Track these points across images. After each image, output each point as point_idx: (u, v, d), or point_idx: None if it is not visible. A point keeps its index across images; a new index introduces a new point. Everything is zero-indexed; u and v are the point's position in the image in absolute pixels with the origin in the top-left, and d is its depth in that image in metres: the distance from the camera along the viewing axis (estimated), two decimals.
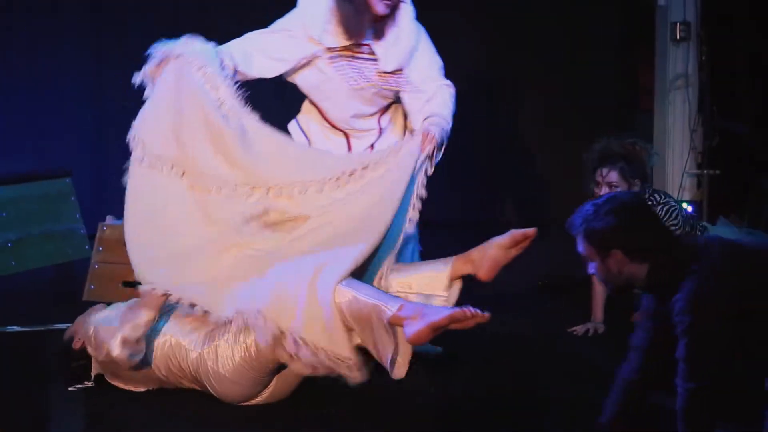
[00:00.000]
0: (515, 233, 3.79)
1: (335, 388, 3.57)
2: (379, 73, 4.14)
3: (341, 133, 4.29)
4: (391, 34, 4.11)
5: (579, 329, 4.53)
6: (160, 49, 4.06)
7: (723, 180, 6.19)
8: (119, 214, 5.60)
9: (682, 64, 6.48)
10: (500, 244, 3.80)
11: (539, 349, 4.44)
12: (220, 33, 7.09)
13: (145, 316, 3.64)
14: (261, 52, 4.18)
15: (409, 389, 3.78)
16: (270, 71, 4.22)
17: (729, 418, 2.98)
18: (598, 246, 3.06)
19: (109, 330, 3.65)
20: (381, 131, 4.29)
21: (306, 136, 4.33)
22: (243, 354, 3.54)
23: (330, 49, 4.11)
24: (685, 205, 5.45)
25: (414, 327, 3.36)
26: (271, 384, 3.66)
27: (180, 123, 3.92)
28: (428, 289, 3.79)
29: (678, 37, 6.41)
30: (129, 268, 4.69)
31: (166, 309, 3.78)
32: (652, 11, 6.56)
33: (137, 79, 4.05)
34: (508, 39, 6.91)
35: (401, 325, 3.41)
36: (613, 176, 4.42)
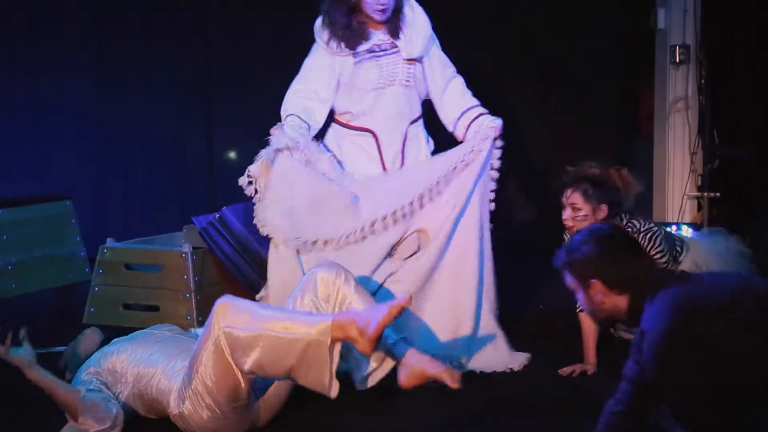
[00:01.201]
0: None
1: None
2: (406, 61, 4.47)
3: (369, 133, 4.51)
4: (406, 24, 4.46)
5: (566, 370, 4.34)
6: (262, 153, 4.34)
7: (723, 203, 6.20)
8: (119, 237, 5.63)
9: (682, 87, 6.50)
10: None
11: (526, 376, 4.40)
12: (219, 54, 7.14)
13: None
14: (315, 100, 4.49)
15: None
16: (328, 110, 4.54)
17: None
18: (578, 276, 3.11)
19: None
20: (406, 137, 4.52)
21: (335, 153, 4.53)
22: (210, 414, 3.53)
23: (354, 54, 4.42)
24: (683, 227, 5.43)
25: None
26: (260, 411, 3.65)
27: (302, 203, 4.30)
28: None
29: (677, 60, 6.43)
30: (129, 291, 4.70)
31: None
32: (652, 34, 6.57)
33: (244, 181, 4.36)
34: (506, 64, 6.92)
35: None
36: (576, 197, 4.32)
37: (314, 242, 4.27)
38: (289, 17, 6.86)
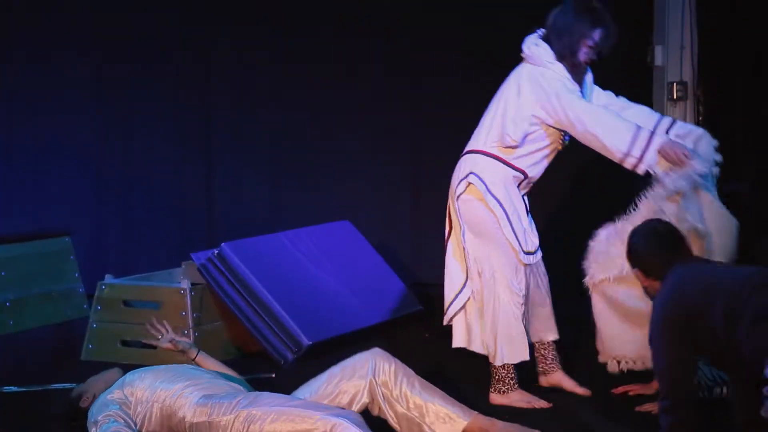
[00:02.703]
0: None
1: None
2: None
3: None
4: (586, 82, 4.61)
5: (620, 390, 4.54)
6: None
7: None
8: (118, 273, 5.63)
9: None
10: None
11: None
12: (219, 91, 7.17)
13: None
14: None
15: None
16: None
17: None
18: (629, 265, 3.87)
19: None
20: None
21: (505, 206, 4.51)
22: None
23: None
24: None
25: None
26: None
27: None
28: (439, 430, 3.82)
29: (675, 96, 6.45)
30: (127, 328, 4.69)
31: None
32: (649, 71, 6.60)
33: None
34: None
35: None
36: None
37: None
38: (287, 59, 6.92)
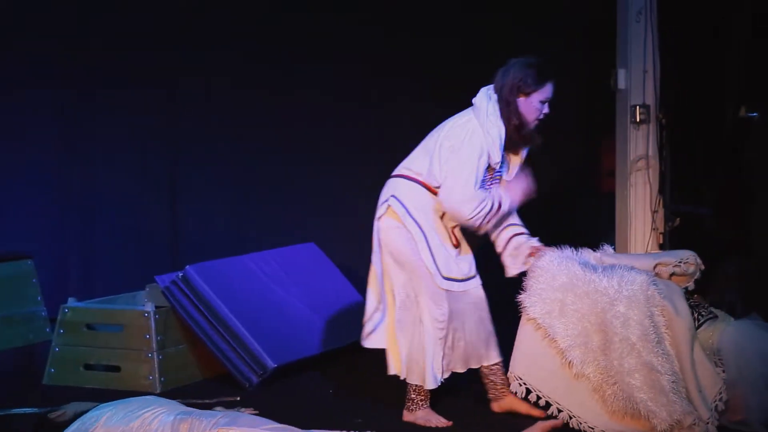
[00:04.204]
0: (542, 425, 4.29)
1: None
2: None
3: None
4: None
5: None
6: None
7: None
8: (80, 296, 5.59)
9: (643, 146, 6.56)
10: None
11: None
12: (183, 113, 7.15)
13: None
14: None
15: None
16: None
17: None
18: None
19: None
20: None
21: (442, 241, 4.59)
22: None
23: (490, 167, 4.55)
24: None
25: None
26: None
27: None
28: None
29: (638, 119, 6.50)
30: (90, 351, 4.64)
31: None
32: (613, 95, 6.66)
33: None
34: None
35: None
36: None
37: None
38: (250, 84, 6.93)
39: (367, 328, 4.61)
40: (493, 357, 4.64)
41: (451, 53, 6.89)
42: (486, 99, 4.51)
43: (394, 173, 4.63)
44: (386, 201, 4.55)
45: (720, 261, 5.24)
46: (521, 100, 4.49)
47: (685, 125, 6.42)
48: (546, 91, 4.52)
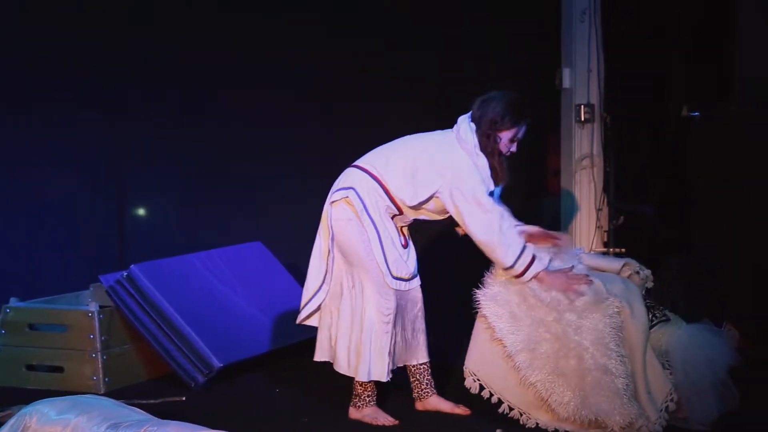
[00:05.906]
0: None
1: None
2: None
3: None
4: None
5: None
6: None
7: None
8: (23, 296, 5.52)
9: (588, 145, 6.63)
10: None
11: None
12: (131, 111, 7.09)
13: None
14: None
15: None
16: None
17: None
18: None
19: None
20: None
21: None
22: None
23: None
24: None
25: None
26: None
27: None
28: None
29: (583, 119, 6.56)
30: (33, 352, 4.57)
31: None
32: (558, 94, 6.71)
33: None
34: (413, 120, 6.98)
35: None
36: None
37: None
38: (197, 86, 6.91)
39: (309, 307, 4.61)
40: (422, 356, 4.67)
41: (399, 50, 6.88)
42: (470, 130, 4.51)
43: (358, 164, 4.59)
44: (345, 190, 4.52)
45: (663, 259, 5.32)
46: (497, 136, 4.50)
47: (628, 124, 6.49)
48: (520, 131, 4.52)
